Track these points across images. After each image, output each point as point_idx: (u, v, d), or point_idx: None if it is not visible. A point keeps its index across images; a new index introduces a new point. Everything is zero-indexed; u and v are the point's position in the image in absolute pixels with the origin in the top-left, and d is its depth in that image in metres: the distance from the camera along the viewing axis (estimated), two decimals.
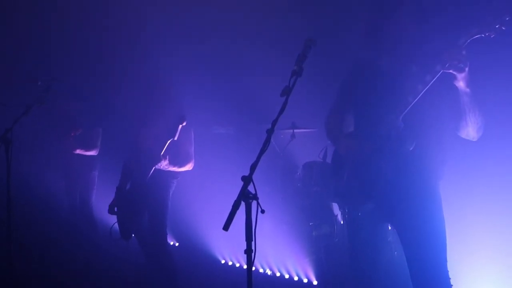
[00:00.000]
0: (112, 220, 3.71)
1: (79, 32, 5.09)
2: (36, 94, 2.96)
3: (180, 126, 3.41)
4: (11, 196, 2.76)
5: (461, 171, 3.06)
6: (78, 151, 4.57)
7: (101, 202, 4.92)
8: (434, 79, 2.16)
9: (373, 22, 2.42)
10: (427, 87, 2.17)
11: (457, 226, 2.77)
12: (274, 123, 1.92)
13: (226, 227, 1.68)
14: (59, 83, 3.07)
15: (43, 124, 4.69)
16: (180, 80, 3.92)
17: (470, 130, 2.29)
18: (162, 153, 3.42)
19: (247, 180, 1.75)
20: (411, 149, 2.26)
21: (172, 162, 3.56)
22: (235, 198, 1.75)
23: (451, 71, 2.13)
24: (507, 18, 2.03)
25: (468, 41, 2.10)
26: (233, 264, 4.76)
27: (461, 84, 2.17)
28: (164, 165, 3.51)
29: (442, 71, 2.13)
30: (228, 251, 4.85)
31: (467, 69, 2.11)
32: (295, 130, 5.04)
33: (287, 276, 4.31)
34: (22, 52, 5.22)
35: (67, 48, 5.17)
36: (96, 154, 4.76)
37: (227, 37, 4.96)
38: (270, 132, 1.89)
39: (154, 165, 3.46)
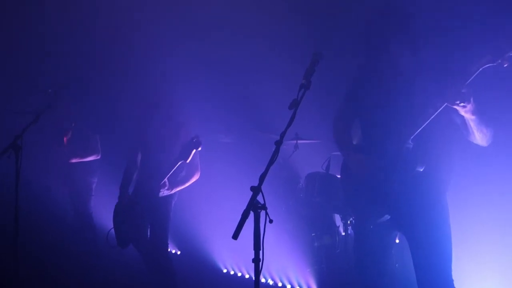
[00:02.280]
0: (110, 225, 3.71)
1: (85, 42, 5.16)
2: (45, 102, 3.00)
3: (194, 150, 3.40)
4: (19, 202, 2.78)
5: (465, 176, 3.09)
6: (74, 160, 4.61)
7: (104, 208, 4.95)
8: (438, 111, 2.19)
9: (380, 39, 2.46)
10: (438, 111, 2.20)
11: (462, 233, 2.81)
12: (282, 135, 1.95)
13: (235, 236, 1.71)
14: (68, 89, 3.11)
15: (45, 129, 4.74)
16: (184, 89, 3.95)
17: (479, 141, 2.36)
18: (171, 172, 3.43)
19: (256, 190, 1.78)
20: (421, 170, 2.31)
21: (178, 183, 3.60)
22: (236, 207, 1.77)
23: (454, 107, 2.16)
24: None
25: (480, 69, 2.09)
26: (235, 274, 4.76)
27: (465, 115, 2.22)
28: (165, 190, 3.52)
29: (446, 104, 2.16)
30: (230, 260, 4.85)
31: (469, 105, 2.14)
32: (298, 141, 5.06)
33: (288, 286, 4.31)
34: (23, 58, 5.29)
35: (73, 57, 5.23)
36: (97, 158, 4.79)
37: (231, 43, 5.00)
38: (278, 143, 1.93)
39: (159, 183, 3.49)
